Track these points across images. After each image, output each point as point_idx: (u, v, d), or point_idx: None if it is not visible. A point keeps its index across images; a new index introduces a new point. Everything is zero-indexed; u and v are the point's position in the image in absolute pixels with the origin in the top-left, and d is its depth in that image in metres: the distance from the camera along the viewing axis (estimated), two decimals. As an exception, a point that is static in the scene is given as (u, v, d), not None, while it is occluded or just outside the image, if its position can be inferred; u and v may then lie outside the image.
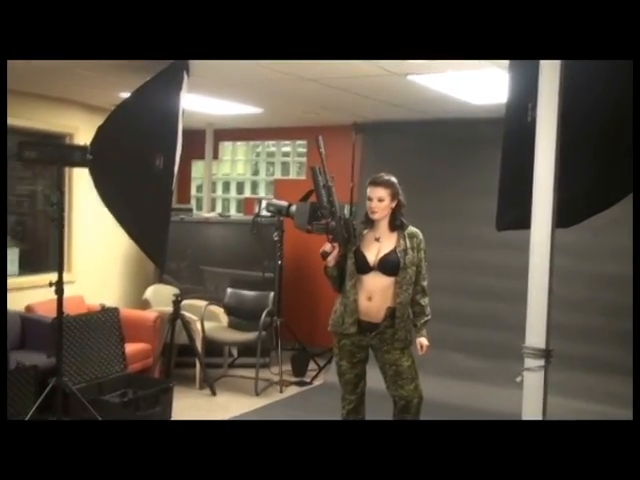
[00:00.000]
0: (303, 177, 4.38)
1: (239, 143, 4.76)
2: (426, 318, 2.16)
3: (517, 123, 1.34)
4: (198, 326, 3.55)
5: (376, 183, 2.08)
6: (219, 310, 3.78)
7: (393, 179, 2.11)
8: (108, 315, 3.08)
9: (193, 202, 4.80)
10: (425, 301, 2.15)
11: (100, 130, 2.39)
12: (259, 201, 4.17)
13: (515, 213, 1.47)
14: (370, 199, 2.09)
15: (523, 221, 1.32)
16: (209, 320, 3.66)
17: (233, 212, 4.77)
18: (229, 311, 3.77)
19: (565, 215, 1.29)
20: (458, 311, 3.33)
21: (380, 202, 2.07)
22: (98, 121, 2.43)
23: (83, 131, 3.55)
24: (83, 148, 2.39)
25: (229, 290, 3.80)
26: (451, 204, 3.48)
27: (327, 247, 2.08)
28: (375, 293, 2.08)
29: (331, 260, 2.11)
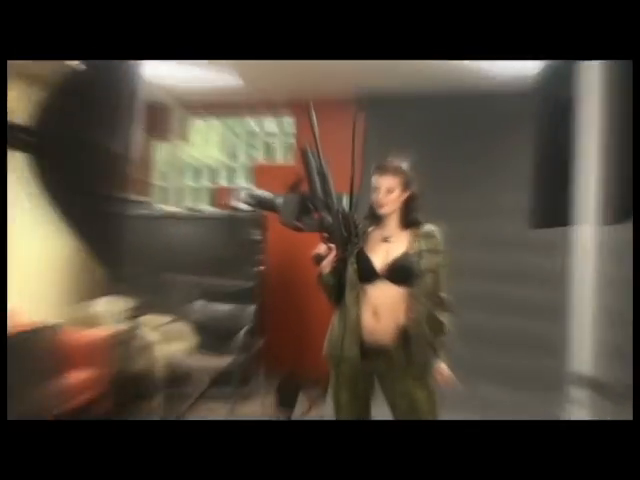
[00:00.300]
0: (292, 162, 4.41)
1: (212, 121, 4.78)
2: (444, 338, 2.15)
3: (553, 106, 1.47)
4: (159, 348, 3.55)
5: (384, 170, 2.10)
6: (186, 328, 3.83)
7: (405, 165, 2.12)
8: (41, 335, 3.02)
9: (155, 193, 4.83)
10: (445, 317, 2.15)
11: (41, 106, 2.35)
12: (237, 192, 4.21)
13: (551, 207, 1.54)
14: (376, 190, 2.10)
15: (560, 217, 1.38)
16: (173, 341, 3.68)
17: (205, 206, 4.78)
18: (198, 329, 3.82)
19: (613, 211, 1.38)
20: (489, 330, 3.34)
21: (389, 193, 2.09)
22: (36, 94, 2.39)
23: (16, 106, 3.52)
24: (24, 128, 2.33)
25: (198, 303, 3.90)
26: (480, 198, 3.51)
27: (321, 249, 2.09)
28: (383, 307, 2.09)
29: (326, 266, 2.11)
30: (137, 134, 2.19)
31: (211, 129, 4.86)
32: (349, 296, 2.12)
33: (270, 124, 4.63)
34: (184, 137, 4.77)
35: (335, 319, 2.20)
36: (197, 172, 4.91)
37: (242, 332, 3.52)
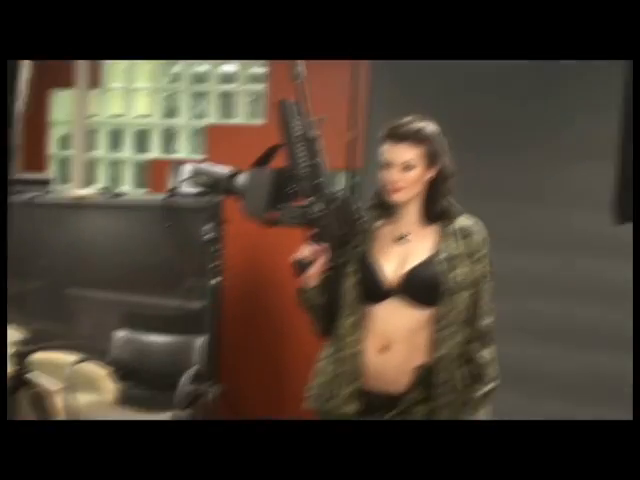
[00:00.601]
0: (260, 120, 4.40)
1: (139, 61, 4.76)
2: (489, 387, 2.19)
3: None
4: (61, 401, 3.52)
5: (399, 135, 2.11)
6: (101, 371, 3.79)
7: (431, 127, 2.15)
8: None
9: (53, 169, 4.83)
10: (488, 355, 2.19)
11: None
12: (179, 167, 4.15)
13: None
14: (388, 165, 2.12)
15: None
16: (83, 390, 3.64)
17: (128, 187, 4.79)
18: (120, 374, 3.78)
19: None
20: (552, 373, 3.38)
21: (407, 170, 2.11)
22: None
23: None
24: None
25: (120, 334, 3.83)
26: (533, 177, 3.56)
27: (305, 252, 2.13)
28: (396, 338, 2.12)
29: (312, 277, 2.15)
30: (22, 80, 2.21)
31: (137, 72, 4.84)
32: (346, 322, 2.14)
33: (229, 65, 4.61)
34: (96, 84, 4.76)
35: (324, 356, 2.22)
36: (116, 137, 4.90)
37: (187, 376, 3.47)
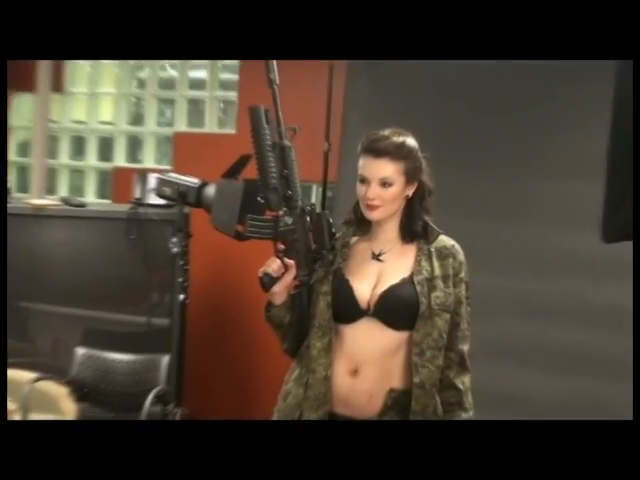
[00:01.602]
0: (231, 130, 4.44)
1: (105, 62, 4.77)
2: (466, 415, 2.19)
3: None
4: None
5: (379, 150, 2.10)
6: (60, 391, 3.70)
7: (411, 142, 2.15)
8: None
9: (11, 177, 4.81)
10: (465, 382, 2.19)
11: None
12: (143, 176, 4.18)
13: (630, 216, 1.70)
14: (366, 180, 2.12)
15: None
16: (40, 411, 3.60)
17: (91, 197, 4.81)
18: (81, 393, 3.72)
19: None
20: (533, 400, 3.39)
21: (385, 187, 2.10)
22: None
23: None
24: None
25: (80, 351, 3.79)
26: (517, 192, 3.56)
27: (273, 267, 2.11)
28: (369, 362, 2.11)
29: (279, 293, 2.14)
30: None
31: (102, 75, 4.85)
32: (317, 344, 2.14)
33: (198, 70, 4.64)
34: (59, 88, 4.74)
35: (292, 378, 2.22)
36: (79, 143, 4.90)
37: (149, 398, 3.40)
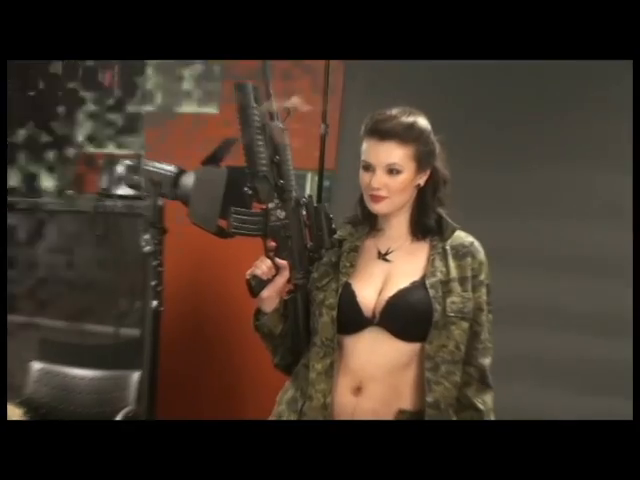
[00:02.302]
0: (213, 110, 4.36)
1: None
2: None
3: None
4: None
5: (385, 132, 2.08)
6: (14, 412, 3.71)
7: (422, 121, 2.12)
8: None
9: None
10: (487, 401, 2.18)
11: None
12: (110, 162, 4.21)
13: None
14: (369, 167, 2.09)
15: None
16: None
17: (49, 186, 4.74)
18: (36, 415, 3.73)
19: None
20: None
21: (393, 175, 2.07)
22: None
23: None
24: None
25: (37, 367, 3.82)
26: (545, 183, 3.56)
27: (262, 268, 2.11)
28: (372, 377, 2.09)
29: (269, 299, 2.14)
30: None
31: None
32: (316, 364, 2.12)
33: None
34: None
35: (285, 400, 2.21)
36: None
37: (119, 419, 3.48)
